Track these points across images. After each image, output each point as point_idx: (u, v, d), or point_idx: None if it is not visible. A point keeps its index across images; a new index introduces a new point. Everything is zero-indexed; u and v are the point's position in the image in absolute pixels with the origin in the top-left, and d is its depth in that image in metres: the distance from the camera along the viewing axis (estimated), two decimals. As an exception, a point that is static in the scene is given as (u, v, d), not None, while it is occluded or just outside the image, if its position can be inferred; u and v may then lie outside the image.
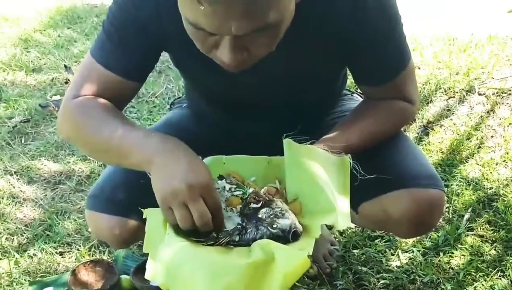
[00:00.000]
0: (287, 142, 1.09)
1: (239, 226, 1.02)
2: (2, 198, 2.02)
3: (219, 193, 1.06)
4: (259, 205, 1.04)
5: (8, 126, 2.46)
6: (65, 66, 2.89)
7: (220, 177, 1.11)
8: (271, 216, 1.01)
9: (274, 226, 1.00)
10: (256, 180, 1.15)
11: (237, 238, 1.02)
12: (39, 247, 1.80)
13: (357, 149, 1.14)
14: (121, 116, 1.14)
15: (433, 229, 1.70)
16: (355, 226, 1.73)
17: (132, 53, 1.15)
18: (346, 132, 1.18)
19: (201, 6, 0.87)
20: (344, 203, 1.05)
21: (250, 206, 1.04)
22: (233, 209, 1.06)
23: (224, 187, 1.09)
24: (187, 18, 0.94)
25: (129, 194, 1.19)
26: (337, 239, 1.74)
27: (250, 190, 1.08)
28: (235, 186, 1.09)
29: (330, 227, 1.03)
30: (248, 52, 0.96)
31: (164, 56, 1.22)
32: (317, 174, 1.05)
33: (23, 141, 2.37)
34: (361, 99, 1.38)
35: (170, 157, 1.02)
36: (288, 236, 0.99)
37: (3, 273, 1.71)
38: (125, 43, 1.14)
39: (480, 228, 1.77)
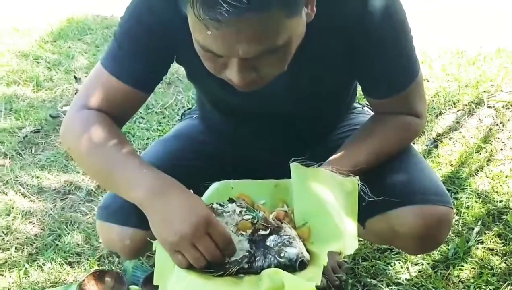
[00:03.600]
0: (294, 166, 1.10)
1: (247, 253, 1.03)
2: (12, 208, 2.03)
3: (230, 217, 1.07)
4: (268, 232, 1.05)
5: (19, 136, 2.47)
6: (75, 77, 2.91)
7: (231, 200, 1.11)
8: (279, 244, 1.02)
9: (282, 255, 1.01)
10: (265, 202, 1.15)
11: (246, 266, 1.02)
12: (49, 257, 1.81)
13: (365, 169, 1.15)
14: (121, 140, 1.14)
15: (441, 245, 1.70)
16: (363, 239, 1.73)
17: (144, 63, 1.15)
18: (353, 152, 1.18)
19: (208, 31, 0.88)
20: (351, 226, 1.05)
21: (259, 233, 1.05)
22: (243, 233, 1.06)
23: (235, 210, 1.09)
24: (197, 40, 0.95)
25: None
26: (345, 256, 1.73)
27: (260, 214, 1.08)
28: (245, 209, 1.09)
29: (338, 253, 1.04)
30: (257, 72, 0.97)
31: (173, 67, 1.23)
32: (325, 197, 1.06)
33: (33, 151, 2.38)
34: (371, 113, 1.39)
35: (164, 198, 1.03)
36: (295, 265, 1.00)
37: (12, 283, 1.71)
38: (137, 52, 1.14)
39: (490, 241, 1.76)
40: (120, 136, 1.15)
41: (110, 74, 1.16)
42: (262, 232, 1.04)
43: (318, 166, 1.13)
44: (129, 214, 1.19)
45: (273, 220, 1.07)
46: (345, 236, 1.02)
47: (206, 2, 0.85)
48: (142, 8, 1.12)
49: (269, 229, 1.04)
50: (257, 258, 1.02)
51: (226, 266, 1.02)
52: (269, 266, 1.01)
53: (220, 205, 1.09)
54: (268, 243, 1.03)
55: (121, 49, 1.15)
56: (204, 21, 0.87)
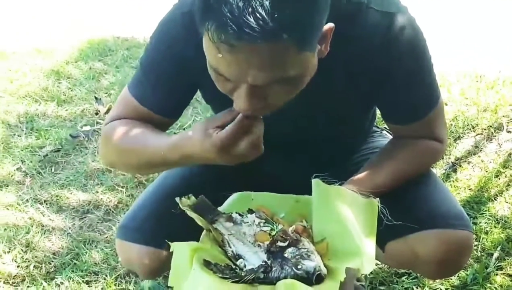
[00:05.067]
0: (316, 182, 1.10)
1: (263, 263, 1.03)
2: (32, 226, 2.05)
3: (249, 227, 1.08)
4: (286, 244, 1.04)
5: (39, 155, 2.50)
6: (96, 97, 2.95)
7: (250, 211, 1.12)
8: (296, 257, 1.02)
9: (299, 267, 1.01)
10: (284, 216, 1.15)
11: (261, 276, 1.02)
12: (66, 275, 1.82)
13: (385, 190, 1.15)
14: (148, 126, 1.18)
15: (461, 270, 1.68)
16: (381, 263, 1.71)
17: (166, 91, 1.19)
18: (374, 173, 1.18)
19: (220, 54, 0.90)
20: (370, 247, 1.05)
21: (277, 244, 1.05)
22: (260, 244, 1.06)
23: (254, 221, 1.10)
24: (209, 62, 0.96)
25: (160, 225, 1.20)
26: (363, 275, 1.72)
27: (279, 227, 1.09)
28: (264, 221, 1.10)
29: (355, 271, 1.03)
30: (265, 100, 0.98)
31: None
32: (345, 215, 1.06)
33: (53, 170, 2.41)
34: (390, 136, 1.39)
35: (187, 144, 1.06)
36: (312, 278, 1.00)
37: (30, 301, 1.73)
38: (160, 81, 1.18)
39: (510, 267, 1.74)
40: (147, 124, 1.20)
41: (136, 100, 1.20)
42: (280, 244, 1.04)
43: (340, 185, 1.14)
44: (148, 233, 1.20)
45: (292, 233, 1.08)
46: (364, 254, 1.01)
47: (220, 26, 0.86)
48: (164, 38, 1.15)
49: (288, 241, 1.05)
50: (273, 269, 1.02)
51: (242, 274, 1.02)
52: (285, 277, 1.00)
53: (240, 215, 1.10)
54: (285, 255, 1.03)
55: (145, 76, 1.19)
56: (217, 44, 0.88)
